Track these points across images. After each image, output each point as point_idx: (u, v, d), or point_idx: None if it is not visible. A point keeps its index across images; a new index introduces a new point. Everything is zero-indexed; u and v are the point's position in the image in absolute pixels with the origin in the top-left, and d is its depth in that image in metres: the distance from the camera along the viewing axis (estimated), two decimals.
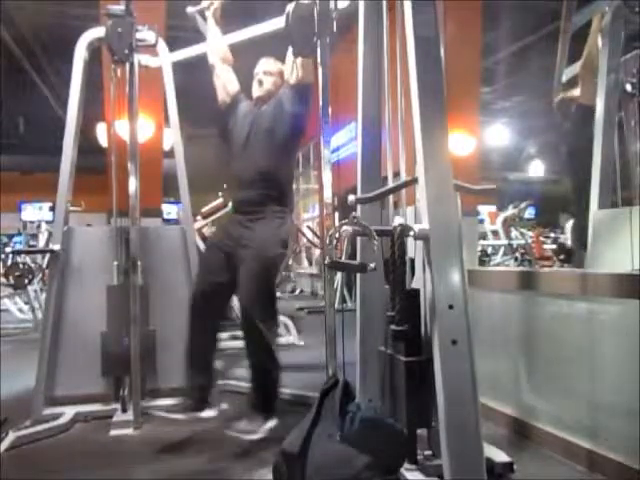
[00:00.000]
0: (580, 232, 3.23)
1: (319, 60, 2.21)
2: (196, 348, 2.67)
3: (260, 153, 2.69)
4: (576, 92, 3.45)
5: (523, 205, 9.74)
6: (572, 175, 3.60)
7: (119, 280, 2.88)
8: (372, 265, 1.77)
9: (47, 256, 4.94)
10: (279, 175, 2.71)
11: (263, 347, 2.63)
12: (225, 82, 2.86)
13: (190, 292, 2.77)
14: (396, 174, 2.13)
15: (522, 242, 9.35)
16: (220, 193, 6.44)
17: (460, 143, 5.54)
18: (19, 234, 8.89)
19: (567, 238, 7.98)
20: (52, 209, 8.77)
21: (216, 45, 2.88)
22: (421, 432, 1.89)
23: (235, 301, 5.08)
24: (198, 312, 2.65)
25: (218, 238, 2.83)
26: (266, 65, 2.81)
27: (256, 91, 2.81)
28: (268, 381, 2.68)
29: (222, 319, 2.81)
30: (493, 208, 11.41)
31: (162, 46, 2.98)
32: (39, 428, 2.54)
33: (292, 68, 2.63)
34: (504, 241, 9.64)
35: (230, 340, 4.89)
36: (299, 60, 2.57)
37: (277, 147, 2.70)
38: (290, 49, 2.53)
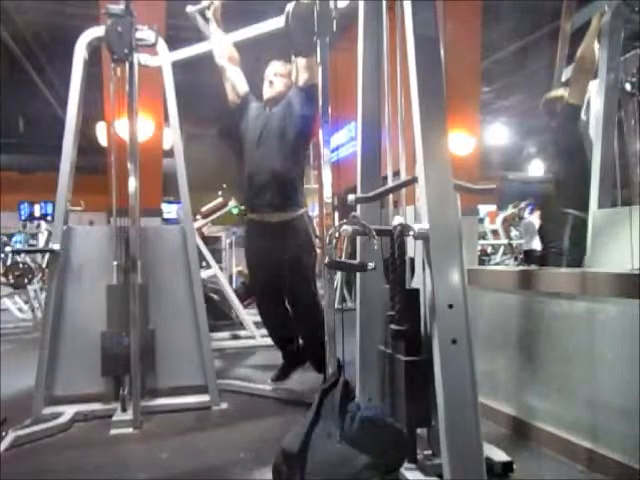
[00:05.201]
0: (578, 232, 3.23)
1: (319, 60, 2.21)
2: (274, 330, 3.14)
3: (274, 154, 2.74)
4: (561, 92, 3.46)
5: (523, 204, 9.76)
6: (554, 173, 3.63)
7: (119, 280, 2.88)
8: (372, 264, 1.78)
9: (47, 255, 4.93)
10: (292, 174, 2.77)
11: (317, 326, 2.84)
12: (234, 83, 2.88)
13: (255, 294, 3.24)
14: (396, 173, 2.13)
15: (521, 241, 9.36)
16: (220, 192, 6.44)
17: (460, 143, 5.54)
18: (19, 233, 8.88)
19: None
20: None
21: (222, 46, 2.89)
22: (421, 432, 1.89)
23: (235, 300, 5.09)
24: (264, 308, 3.10)
25: (257, 252, 2.99)
26: (276, 67, 2.85)
27: (267, 92, 2.85)
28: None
29: (284, 304, 3.06)
30: (493, 207, 11.42)
31: (162, 45, 2.98)
32: (39, 427, 2.54)
33: (298, 70, 2.66)
34: (504, 240, 9.65)
35: (230, 340, 4.91)
36: (304, 61, 2.59)
37: (289, 147, 2.74)
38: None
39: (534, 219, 8.86)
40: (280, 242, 2.80)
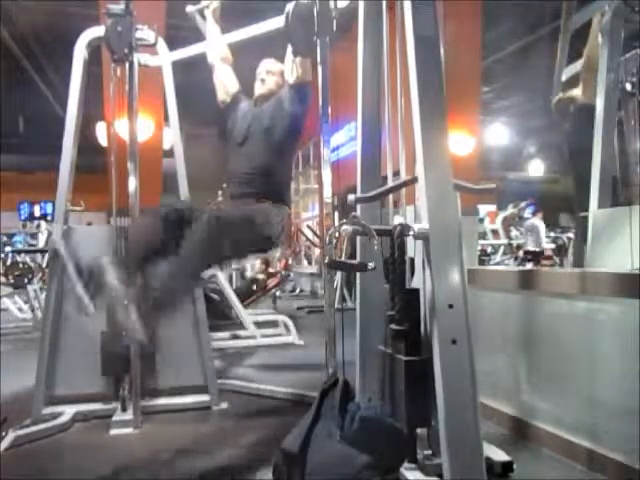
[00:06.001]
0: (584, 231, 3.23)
1: (319, 59, 2.21)
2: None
3: (258, 151, 2.70)
4: (574, 92, 3.46)
5: (523, 204, 9.77)
6: (574, 173, 3.61)
7: None
8: (372, 264, 1.78)
9: (47, 255, 4.93)
10: (277, 173, 2.72)
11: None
12: (225, 82, 2.87)
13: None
14: (396, 173, 2.13)
15: (522, 241, 9.36)
16: (220, 192, 6.43)
17: (460, 143, 5.54)
18: (19, 233, 8.89)
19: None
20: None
21: (216, 45, 2.88)
22: (421, 431, 1.89)
23: (235, 300, 5.09)
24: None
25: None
26: (268, 65, 2.83)
27: (258, 89, 2.83)
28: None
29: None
30: (493, 207, 11.42)
31: (162, 45, 2.98)
32: (39, 427, 2.54)
33: (291, 67, 2.63)
34: (504, 240, 9.66)
35: (230, 340, 4.91)
36: (297, 59, 2.57)
37: (275, 145, 2.70)
38: (289, 48, 2.53)
39: (537, 220, 8.91)
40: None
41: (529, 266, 7.96)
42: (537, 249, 8.56)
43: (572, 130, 3.46)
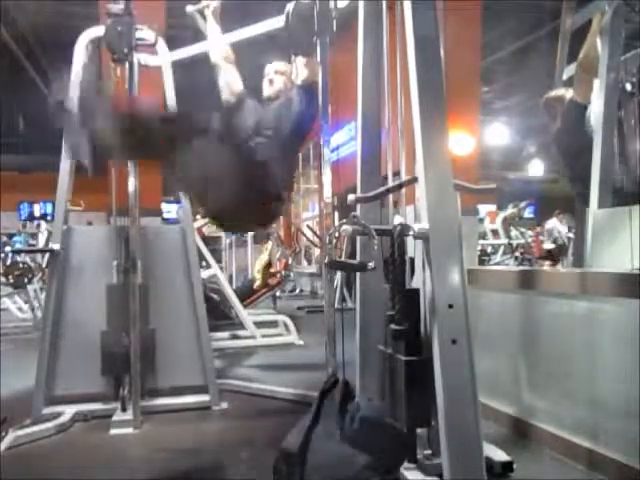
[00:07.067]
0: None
1: (319, 59, 2.21)
2: None
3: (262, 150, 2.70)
4: (561, 91, 3.45)
5: (523, 204, 9.76)
6: (568, 173, 3.60)
7: (119, 279, 2.88)
8: (372, 264, 1.77)
9: (47, 255, 4.93)
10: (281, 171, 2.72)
11: None
12: (229, 81, 2.86)
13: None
14: (396, 173, 2.13)
15: (522, 241, 9.35)
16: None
17: (460, 143, 5.53)
18: (19, 234, 8.88)
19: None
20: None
21: (218, 44, 2.87)
22: (421, 431, 1.89)
23: (235, 300, 5.09)
24: None
25: None
26: (277, 66, 2.84)
27: (266, 90, 2.83)
28: None
29: None
30: (493, 207, 11.41)
31: (162, 45, 2.98)
32: (39, 427, 2.55)
33: (297, 68, 2.64)
34: (504, 240, 9.65)
35: (230, 340, 4.91)
36: (303, 59, 2.58)
37: (281, 145, 2.71)
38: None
39: (555, 222, 8.87)
40: None
41: (559, 266, 7.97)
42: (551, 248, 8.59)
43: (562, 129, 3.44)
